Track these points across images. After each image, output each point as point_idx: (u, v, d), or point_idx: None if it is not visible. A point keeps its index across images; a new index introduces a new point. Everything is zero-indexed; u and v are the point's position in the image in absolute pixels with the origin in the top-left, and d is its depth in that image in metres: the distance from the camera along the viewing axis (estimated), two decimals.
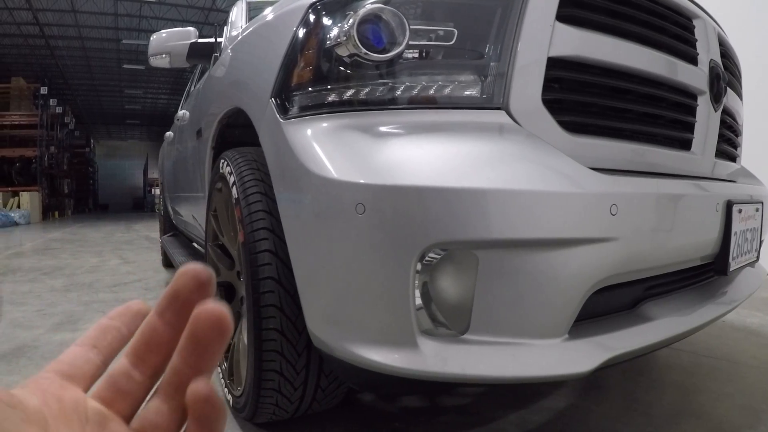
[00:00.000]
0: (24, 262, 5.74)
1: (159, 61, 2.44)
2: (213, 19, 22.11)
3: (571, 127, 1.13)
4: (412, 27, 1.09)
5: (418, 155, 1.00)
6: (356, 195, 0.98)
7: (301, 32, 1.23)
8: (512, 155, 1.03)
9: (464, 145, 1.03)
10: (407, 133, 1.06)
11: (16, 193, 18.82)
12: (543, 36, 1.10)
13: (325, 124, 1.11)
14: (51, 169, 22.31)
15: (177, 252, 3.23)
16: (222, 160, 1.62)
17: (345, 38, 1.09)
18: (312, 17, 1.21)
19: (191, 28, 2.44)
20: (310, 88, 1.17)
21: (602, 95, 1.22)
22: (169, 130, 4.14)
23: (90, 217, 22.41)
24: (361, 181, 0.98)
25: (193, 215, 2.75)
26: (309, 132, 1.12)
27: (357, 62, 1.11)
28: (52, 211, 21.69)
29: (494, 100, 1.09)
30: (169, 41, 2.38)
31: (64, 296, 3.68)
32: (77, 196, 29.98)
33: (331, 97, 1.13)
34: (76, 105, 31.23)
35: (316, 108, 1.15)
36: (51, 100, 21.70)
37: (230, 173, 1.49)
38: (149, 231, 11.49)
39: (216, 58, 2.26)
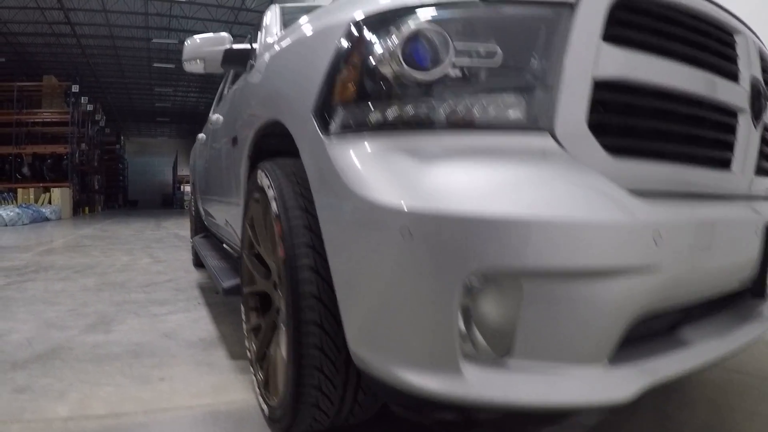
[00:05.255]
0: (56, 260, 5.84)
1: (193, 67, 2.45)
2: (243, 19, 22.28)
3: (613, 149, 1.11)
4: (456, 46, 1.06)
5: (463, 181, 0.99)
6: (402, 220, 0.97)
7: (344, 49, 1.21)
8: (557, 182, 1.01)
9: (510, 171, 1.02)
10: (452, 156, 1.04)
11: (47, 189, 19.16)
12: (589, 57, 1.08)
13: (369, 145, 1.10)
14: (82, 166, 22.66)
15: (209, 255, 3.24)
16: (260, 172, 1.62)
17: (388, 56, 1.08)
18: (355, 34, 1.19)
19: (225, 34, 2.44)
20: (352, 107, 1.15)
21: (645, 116, 1.20)
22: (200, 132, 4.17)
23: (120, 213, 22.74)
24: (407, 207, 0.97)
25: (227, 219, 2.77)
26: (353, 152, 1.10)
27: (400, 81, 1.09)
28: (82, 206, 22.04)
29: (539, 122, 1.06)
30: (203, 47, 2.38)
31: (96, 295, 3.73)
32: (107, 192, 30.41)
33: (375, 117, 1.11)
34: (106, 102, 31.66)
35: (360, 127, 1.13)
36: (82, 98, 22.00)
37: (269, 186, 1.49)
38: (178, 228, 11.63)
39: (252, 66, 2.25)
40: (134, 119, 42.35)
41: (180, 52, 2.58)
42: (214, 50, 2.36)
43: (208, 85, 32.43)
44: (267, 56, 1.96)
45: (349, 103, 1.16)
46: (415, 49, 1.07)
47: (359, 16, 1.21)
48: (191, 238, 5.36)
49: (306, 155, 1.31)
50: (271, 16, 2.73)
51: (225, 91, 3.77)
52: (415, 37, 1.07)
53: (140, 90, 33.71)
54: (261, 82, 1.94)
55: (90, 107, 23.25)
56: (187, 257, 5.97)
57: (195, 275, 4.68)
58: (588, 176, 1.04)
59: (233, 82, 3.19)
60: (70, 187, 19.92)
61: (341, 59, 1.21)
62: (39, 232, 10.98)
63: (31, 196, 18.46)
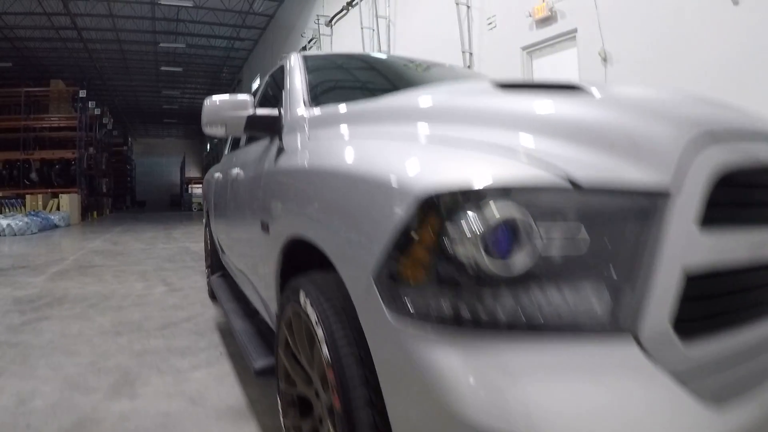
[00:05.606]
0: (69, 287, 5.76)
1: (214, 130, 2.34)
2: (250, 23, 22.18)
3: (692, 342, 1.00)
4: (542, 234, 0.94)
5: (548, 402, 0.87)
6: None
7: (416, 222, 1.03)
8: (642, 410, 0.91)
9: (599, 391, 0.90)
10: (535, 368, 0.91)
11: (55, 195, 19.17)
12: (682, 247, 0.97)
13: (450, 347, 0.96)
14: (90, 170, 22.69)
15: (233, 311, 3.08)
16: (303, 295, 1.50)
17: (469, 243, 0.95)
18: (432, 208, 1.01)
19: (247, 97, 2.30)
20: (422, 291, 1.01)
21: (733, 299, 1.10)
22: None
23: (128, 218, 22.70)
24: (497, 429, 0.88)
25: (252, 283, 2.66)
26: (432, 353, 0.97)
27: (481, 272, 0.95)
28: (90, 211, 22.05)
29: (622, 322, 0.95)
30: (224, 111, 2.24)
31: (114, 342, 3.64)
32: (115, 193, 30.49)
33: (449, 309, 0.97)
34: (113, 104, 31.69)
35: (435, 319, 0.99)
36: (90, 102, 22.01)
37: (316, 323, 1.35)
38: (189, 240, 11.56)
39: (280, 147, 2.10)
40: (141, 120, 42.41)
41: (187, 55, 2.47)
42: (236, 115, 2.24)
43: (215, 87, 32.38)
44: (303, 155, 1.81)
45: (419, 287, 1.01)
46: (498, 238, 0.94)
47: (436, 187, 1.01)
48: (206, 268, 5.28)
49: (367, 323, 1.18)
50: (294, 69, 2.62)
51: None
52: (499, 226, 0.94)
53: (147, 92, 33.74)
54: (297, 188, 1.79)
55: (98, 111, 23.28)
56: (202, 284, 5.89)
57: (212, 311, 4.58)
58: (673, 399, 0.94)
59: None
60: (79, 193, 19.91)
61: (412, 233, 1.03)
62: (48, 244, 10.94)
63: (40, 203, 18.48)
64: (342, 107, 1.96)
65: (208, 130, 2.33)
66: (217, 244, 4.42)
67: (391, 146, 1.31)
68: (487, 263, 0.94)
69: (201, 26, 22.60)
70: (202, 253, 8.90)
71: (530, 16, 7.03)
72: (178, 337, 3.76)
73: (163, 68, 27.61)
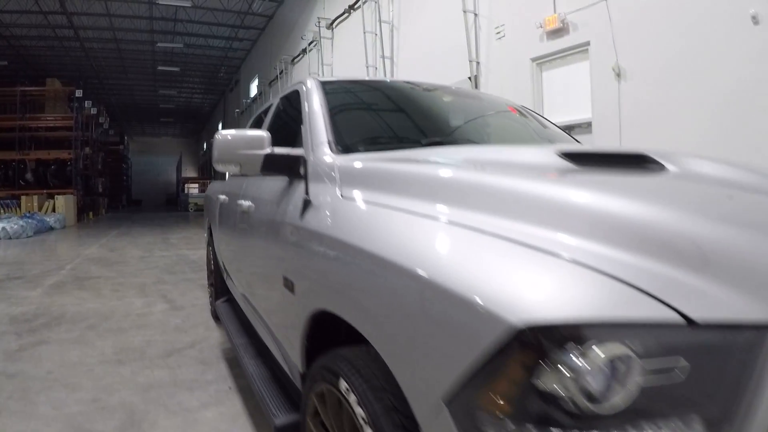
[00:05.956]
0: (67, 304, 5.59)
1: (227, 169, 2.18)
2: (249, 23, 22.01)
3: None
4: (644, 368, 0.82)
5: None
6: None
7: (504, 352, 0.88)
8: None
9: None
10: None
11: (51, 196, 18.97)
12: None
13: None
14: (86, 170, 22.49)
15: (242, 345, 2.94)
16: (344, 382, 1.34)
17: (567, 381, 0.82)
18: (526, 341, 0.86)
19: (263, 134, 2.11)
20: (508, 426, 0.86)
21: None
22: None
23: (124, 219, 22.51)
24: None
25: (265, 321, 2.51)
26: None
27: (575, 411, 0.83)
28: (86, 211, 21.85)
29: None
30: (238, 149, 2.05)
31: (117, 372, 3.48)
32: (111, 192, 30.31)
33: None
34: (110, 103, 31.48)
35: None
36: (86, 101, 21.83)
37: (365, 420, 1.22)
38: (187, 246, 11.40)
39: (308, 202, 1.86)
40: (138, 119, 42.18)
41: (185, 55, 2.29)
42: (252, 154, 2.08)
43: (212, 86, 32.22)
44: (339, 221, 1.61)
45: (505, 420, 0.87)
46: (601, 375, 0.81)
47: (536, 319, 0.86)
48: (209, 286, 5.12)
49: None
50: (314, 101, 2.43)
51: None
52: (607, 362, 0.82)
53: (144, 91, 33.54)
54: (333, 261, 1.56)
55: (94, 110, 23.08)
56: (203, 300, 5.74)
57: (216, 335, 4.42)
58: None
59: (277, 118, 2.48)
60: (75, 194, 19.71)
61: (502, 364, 0.89)
62: (44, 250, 10.78)
63: (35, 204, 18.27)
64: (380, 160, 1.80)
65: (221, 168, 2.18)
66: (221, 266, 4.27)
67: (461, 239, 1.15)
68: (586, 402, 0.81)
69: (199, 26, 22.40)
70: (201, 262, 8.78)
71: (541, 27, 6.88)
72: (183, 368, 3.61)
73: (160, 68, 27.40)
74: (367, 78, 3.06)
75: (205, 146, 42.53)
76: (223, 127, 36.61)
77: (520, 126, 2.92)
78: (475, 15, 8.16)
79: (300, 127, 2.36)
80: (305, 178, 1.97)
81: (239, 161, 2.09)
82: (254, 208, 2.66)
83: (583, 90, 6.54)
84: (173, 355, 3.89)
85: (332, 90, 2.57)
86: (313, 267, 1.70)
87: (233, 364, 3.65)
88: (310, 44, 16.26)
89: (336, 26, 14.56)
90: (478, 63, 8.11)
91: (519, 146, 2.21)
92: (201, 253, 9.94)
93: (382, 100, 2.86)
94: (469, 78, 8.09)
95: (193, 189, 35.22)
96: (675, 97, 5.42)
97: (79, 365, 3.63)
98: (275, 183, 2.39)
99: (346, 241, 1.47)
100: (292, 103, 2.83)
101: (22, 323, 4.75)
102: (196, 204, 29.83)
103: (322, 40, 15.11)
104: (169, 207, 37.45)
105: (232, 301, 4.05)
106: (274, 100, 3.36)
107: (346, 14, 13.73)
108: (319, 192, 1.85)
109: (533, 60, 7.20)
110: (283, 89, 16.48)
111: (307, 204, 1.87)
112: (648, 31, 5.71)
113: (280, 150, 2.13)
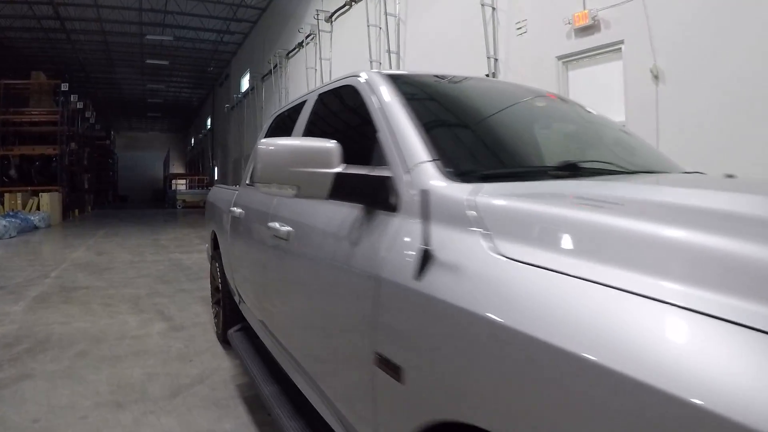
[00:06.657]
0: (52, 322, 5.03)
1: (277, 191, 1.64)
2: (241, 16, 21.41)
3: None
4: None
5: None
6: None
7: None
8: None
9: None
10: None
11: (35, 193, 18.31)
12: None
13: None
14: (72, 166, 21.85)
15: (274, 395, 2.40)
16: None
17: None
18: None
19: (331, 144, 1.59)
20: None
21: None
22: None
23: (110, 215, 21.86)
24: None
25: (305, 368, 2.00)
26: None
27: None
28: (72, 209, 21.21)
29: None
30: (295, 165, 1.52)
31: (116, 421, 2.92)
32: (97, 188, 29.67)
33: None
34: (96, 97, 30.70)
35: None
36: (72, 95, 21.18)
37: None
38: (179, 250, 10.80)
39: (429, 255, 1.23)
40: (125, 114, 41.45)
41: (174, 48, 1.74)
42: (315, 172, 1.55)
43: (201, 81, 31.57)
44: (516, 311, 0.95)
45: None
46: None
47: None
48: (213, 304, 4.59)
49: None
50: (384, 98, 1.84)
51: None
52: None
53: (132, 85, 32.84)
54: (483, 350, 1.01)
55: (80, 105, 22.44)
56: (205, 317, 5.21)
57: (227, 365, 3.89)
58: None
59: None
60: (60, 191, 19.05)
61: None
62: (28, 253, 10.23)
63: (19, 201, 17.63)
64: (539, 198, 1.23)
65: (266, 190, 1.64)
66: (232, 288, 3.75)
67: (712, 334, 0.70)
68: None
69: (190, 18, 21.75)
70: (196, 268, 8.25)
71: (569, 23, 6.39)
72: (194, 412, 3.07)
73: (148, 61, 26.71)
74: (436, 73, 2.36)
75: (192, 142, 41.87)
76: (212, 122, 35.97)
77: (616, 138, 2.40)
78: (493, 9, 7.66)
79: (363, 137, 1.84)
80: (407, 212, 1.43)
81: (296, 182, 1.56)
82: (298, 237, 2.12)
83: (614, 91, 6.07)
84: (181, 393, 3.35)
85: (407, 89, 1.96)
86: (445, 356, 1.11)
87: (254, 406, 3.13)
88: (307, 38, 15.71)
89: (335, 19, 14.03)
90: (496, 60, 7.61)
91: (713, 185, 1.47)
92: (195, 258, 9.39)
93: (470, 103, 2.22)
94: (486, 75, 7.59)
95: (181, 185, 34.43)
96: (715, 104, 4.95)
97: (70, 410, 3.09)
98: (336, 209, 1.82)
99: (525, 333, 0.90)
100: (345, 102, 2.28)
101: (3, 349, 4.20)
102: (184, 201, 29.16)
103: (320, 33, 14.56)
104: (156, 203, 36.69)
105: (248, 329, 3.52)
106: (308, 97, 2.77)
107: (347, 7, 13.22)
108: (446, 241, 1.23)
109: (559, 58, 6.71)
110: (279, 84, 15.88)
111: (428, 258, 1.23)
112: (688, 30, 5.23)
113: (356, 169, 1.61)
